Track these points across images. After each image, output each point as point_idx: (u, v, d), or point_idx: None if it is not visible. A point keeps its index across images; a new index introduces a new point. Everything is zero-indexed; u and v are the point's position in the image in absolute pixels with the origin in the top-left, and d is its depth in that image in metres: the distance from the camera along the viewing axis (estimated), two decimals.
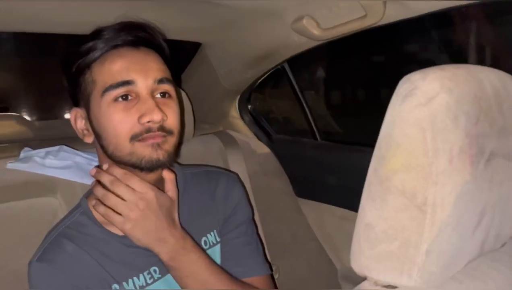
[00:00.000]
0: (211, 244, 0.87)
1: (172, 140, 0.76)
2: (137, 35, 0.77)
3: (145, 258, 0.79)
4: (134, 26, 0.77)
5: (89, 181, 1.01)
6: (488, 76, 0.51)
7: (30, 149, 1.04)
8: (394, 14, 0.85)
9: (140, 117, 0.72)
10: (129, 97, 0.73)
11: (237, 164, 1.26)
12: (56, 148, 1.04)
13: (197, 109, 1.23)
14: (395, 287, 0.50)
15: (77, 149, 1.06)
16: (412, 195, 0.45)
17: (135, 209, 0.72)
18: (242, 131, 1.45)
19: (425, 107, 0.44)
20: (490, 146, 0.49)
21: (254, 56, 1.17)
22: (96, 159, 1.04)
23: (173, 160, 0.79)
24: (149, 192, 0.73)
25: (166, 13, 0.95)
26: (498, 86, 0.51)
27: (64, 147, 1.05)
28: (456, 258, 0.49)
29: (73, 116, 0.80)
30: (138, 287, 0.78)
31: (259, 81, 1.34)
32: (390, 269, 0.48)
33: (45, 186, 0.98)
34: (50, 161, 1.01)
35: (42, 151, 1.03)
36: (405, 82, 0.47)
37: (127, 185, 0.73)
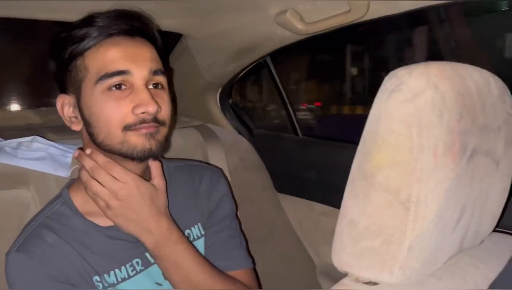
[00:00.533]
0: (195, 237, 0.87)
1: (164, 131, 0.76)
2: (133, 25, 0.75)
3: (128, 250, 0.78)
4: (130, 15, 0.76)
5: (63, 173, 0.98)
6: (471, 74, 0.51)
7: (1, 139, 1.00)
8: (378, 10, 0.85)
9: (134, 108, 0.71)
10: (123, 87, 0.72)
11: (217, 158, 1.24)
12: (29, 138, 1.01)
13: (177, 101, 1.21)
14: (376, 283, 0.50)
15: (51, 140, 1.03)
16: (396, 191, 0.44)
17: (115, 198, 0.72)
18: (223, 125, 1.43)
19: (412, 103, 0.44)
20: (472, 143, 0.49)
21: (236, 49, 1.15)
22: (71, 151, 1.01)
23: (163, 151, 0.78)
24: (130, 182, 0.73)
25: (146, 2, 0.92)
26: (481, 83, 0.52)
27: (38, 137, 1.02)
28: (437, 254, 0.50)
29: (60, 103, 0.78)
30: (120, 279, 0.77)
31: (241, 74, 1.32)
32: (372, 265, 0.47)
33: (17, 177, 0.94)
34: (22, 152, 0.97)
35: (14, 142, 0.99)
36: (391, 78, 0.47)
37: (109, 174, 0.72)
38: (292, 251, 1.36)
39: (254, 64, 1.27)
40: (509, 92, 0.57)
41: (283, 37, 1.03)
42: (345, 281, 0.52)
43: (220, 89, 1.39)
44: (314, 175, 1.26)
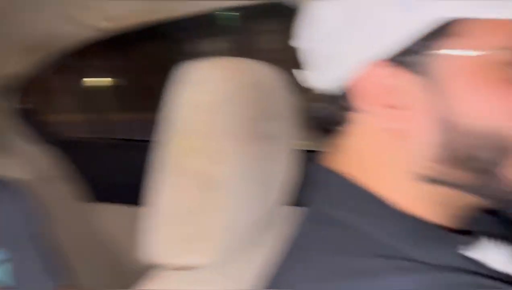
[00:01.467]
0: None
1: None
2: None
3: None
4: None
5: None
6: (256, 67, 0.58)
7: None
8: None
9: None
10: None
11: (10, 172, 1.10)
12: None
13: None
14: (191, 268, 0.51)
15: None
16: (199, 175, 0.47)
17: None
18: (17, 133, 1.26)
19: (206, 94, 0.47)
20: (260, 129, 0.55)
21: (25, 46, 1.03)
22: None
23: None
24: None
25: None
26: (266, 75, 0.59)
27: None
28: (244, 233, 0.54)
29: None
30: None
31: (38, 76, 1.19)
32: (181, 251, 0.49)
33: None
34: None
35: None
36: (184, 69, 0.49)
37: None
38: (113, 259, 1.31)
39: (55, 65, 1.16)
40: (288, 84, 0.67)
41: (81, 34, 0.98)
42: (155, 271, 0.52)
43: (13, 93, 1.23)
44: (121, 178, 1.24)
